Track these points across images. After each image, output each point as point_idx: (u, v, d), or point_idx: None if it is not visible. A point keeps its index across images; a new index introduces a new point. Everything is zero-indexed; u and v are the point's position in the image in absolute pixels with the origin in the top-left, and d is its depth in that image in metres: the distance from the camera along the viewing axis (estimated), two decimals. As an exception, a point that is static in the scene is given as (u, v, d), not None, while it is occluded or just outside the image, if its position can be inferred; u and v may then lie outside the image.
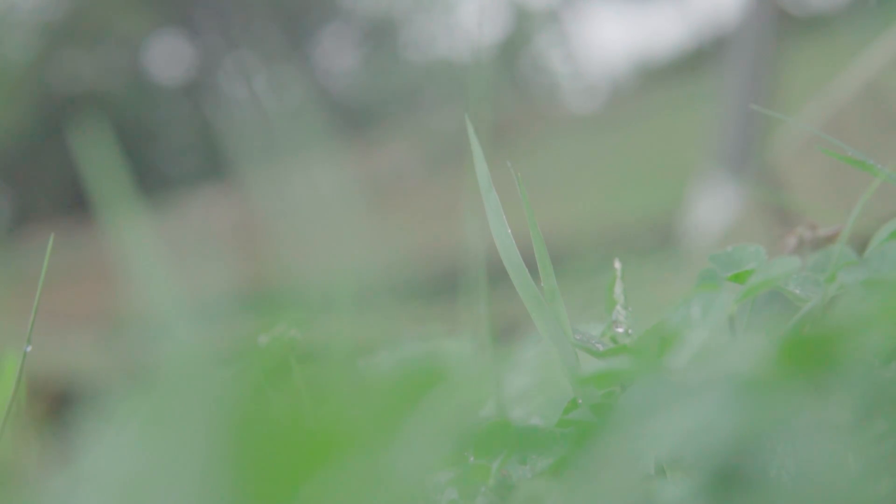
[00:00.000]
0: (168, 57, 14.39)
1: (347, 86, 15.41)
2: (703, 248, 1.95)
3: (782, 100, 4.15)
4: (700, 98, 7.03)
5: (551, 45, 15.52)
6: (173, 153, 13.62)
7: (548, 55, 15.57)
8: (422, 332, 0.75)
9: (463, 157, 0.56)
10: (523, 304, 0.48)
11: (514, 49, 15.01)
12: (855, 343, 0.32)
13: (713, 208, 3.43)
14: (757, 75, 4.10)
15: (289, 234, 0.37)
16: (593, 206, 6.85)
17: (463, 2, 15.05)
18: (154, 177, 12.11)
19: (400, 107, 14.33)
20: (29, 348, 0.56)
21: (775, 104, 3.87)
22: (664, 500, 0.33)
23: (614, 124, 9.95)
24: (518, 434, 0.41)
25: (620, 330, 0.52)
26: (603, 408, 0.44)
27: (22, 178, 12.58)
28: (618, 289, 0.54)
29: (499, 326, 0.57)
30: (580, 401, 0.45)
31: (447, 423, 0.30)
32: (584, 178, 8.07)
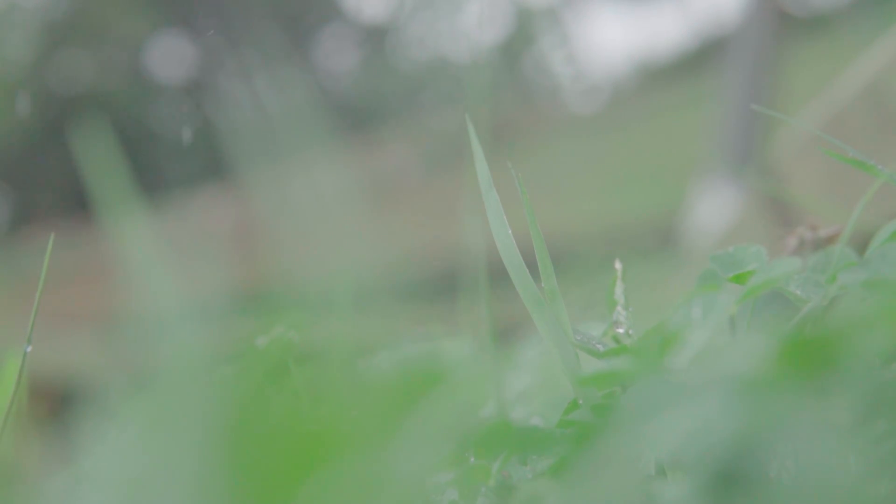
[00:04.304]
0: (169, 57, 14.39)
1: (348, 86, 15.40)
2: (703, 249, 1.95)
3: (783, 100, 4.15)
4: (701, 98, 7.03)
5: (552, 46, 15.52)
6: (173, 153, 13.61)
7: (549, 55, 15.57)
8: (422, 332, 0.75)
9: (463, 157, 0.56)
10: (524, 305, 0.48)
11: (515, 49, 15.01)
12: (856, 344, 0.32)
13: (714, 209, 3.42)
14: (758, 75, 4.09)
15: (289, 235, 0.37)
16: (594, 207, 6.85)
17: (464, 2, 15.05)
18: (154, 177, 12.10)
19: (400, 107, 14.32)
20: (29, 348, 0.56)
21: (776, 104, 3.87)
22: (665, 501, 0.33)
23: (615, 125, 9.94)
24: (518, 435, 0.41)
25: (621, 330, 0.52)
26: (603, 408, 0.44)
27: (22, 178, 12.58)
28: (619, 289, 0.54)
29: (499, 327, 0.57)
30: (581, 401, 0.45)
31: (447, 424, 0.30)
32: (585, 178, 8.07)
